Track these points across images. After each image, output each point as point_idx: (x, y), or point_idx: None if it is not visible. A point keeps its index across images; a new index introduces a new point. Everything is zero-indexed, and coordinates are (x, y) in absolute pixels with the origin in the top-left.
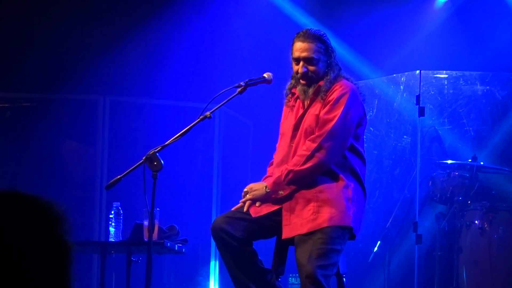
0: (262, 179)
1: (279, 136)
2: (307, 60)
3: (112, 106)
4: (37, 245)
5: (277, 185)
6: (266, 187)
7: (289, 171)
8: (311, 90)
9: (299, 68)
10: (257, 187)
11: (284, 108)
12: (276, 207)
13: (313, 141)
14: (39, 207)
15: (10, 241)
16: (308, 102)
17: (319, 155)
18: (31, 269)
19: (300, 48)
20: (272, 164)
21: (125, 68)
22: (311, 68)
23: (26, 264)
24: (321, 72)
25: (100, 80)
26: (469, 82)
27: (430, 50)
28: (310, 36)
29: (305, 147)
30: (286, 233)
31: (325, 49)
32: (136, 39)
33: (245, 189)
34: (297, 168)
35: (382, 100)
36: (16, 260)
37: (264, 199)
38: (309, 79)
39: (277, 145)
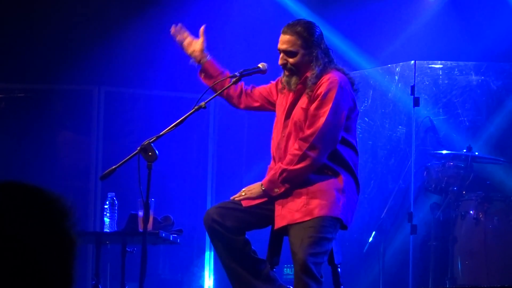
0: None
1: (275, 120)
2: (286, 53)
3: (107, 97)
4: (43, 238)
5: (272, 183)
6: (261, 185)
7: (283, 170)
8: (293, 81)
9: (280, 59)
10: (253, 186)
11: (280, 87)
12: (267, 198)
13: (305, 140)
14: (46, 199)
15: (15, 233)
16: (297, 92)
17: (312, 154)
18: (36, 261)
19: (281, 40)
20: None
21: (120, 59)
22: (290, 60)
23: (31, 257)
24: (301, 65)
25: (95, 70)
26: (464, 72)
27: (425, 40)
28: (292, 28)
29: (297, 146)
30: (278, 223)
31: (306, 43)
32: (131, 29)
33: (243, 190)
34: (291, 167)
35: (377, 91)
36: (21, 253)
37: (260, 197)
38: (289, 70)
39: (256, 87)
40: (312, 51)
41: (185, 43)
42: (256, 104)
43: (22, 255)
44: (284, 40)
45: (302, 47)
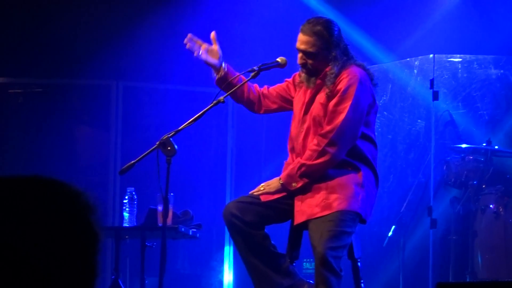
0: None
1: (292, 115)
2: (305, 53)
3: (125, 92)
4: (68, 232)
5: (290, 177)
6: (280, 179)
7: (302, 165)
8: (312, 80)
9: (298, 58)
10: (271, 181)
11: (297, 83)
12: (285, 193)
13: (324, 136)
14: (71, 193)
15: (40, 226)
16: (316, 88)
17: (331, 150)
18: (61, 255)
19: (300, 39)
20: (258, 87)
21: (138, 54)
22: (309, 61)
23: (57, 251)
24: (320, 65)
25: (113, 65)
26: (483, 65)
27: (443, 33)
28: (311, 28)
29: (317, 141)
30: (297, 219)
31: (326, 43)
32: (148, 24)
33: (261, 184)
34: (310, 162)
35: (395, 85)
36: (47, 246)
37: (278, 191)
38: (308, 70)
39: (269, 87)
40: (331, 51)
41: (202, 50)
42: (274, 106)
43: (48, 249)
44: (303, 40)
45: (321, 48)
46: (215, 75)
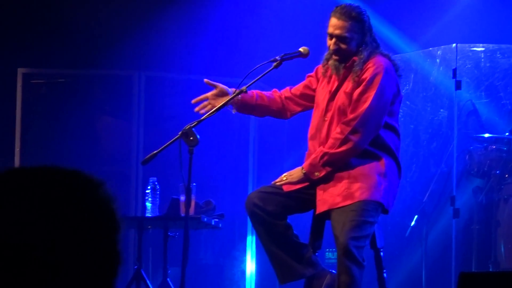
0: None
1: (314, 105)
2: (340, 38)
3: (148, 82)
4: (89, 222)
5: (313, 166)
6: (302, 169)
7: (324, 153)
8: (342, 66)
9: (331, 44)
10: (294, 171)
11: (321, 74)
12: (308, 183)
13: (347, 124)
14: (92, 184)
15: (62, 218)
16: (341, 77)
17: (354, 138)
18: (83, 246)
19: (334, 24)
20: (276, 91)
21: (160, 44)
22: (343, 46)
23: (79, 241)
24: (353, 50)
25: (136, 55)
26: (506, 55)
27: (466, 23)
28: (346, 13)
29: (340, 129)
30: (319, 208)
31: (360, 28)
32: (171, 13)
33: (284, 174)
34: (332, 151)
35: (418, 74)
36: (69, 237)
37: (300, 181)
38: (341, 56)
39: (292, 88)
40: (364, 37)
41: (211, 101)
42: (299, 109)
43: (70, 239)
44: (338, 25)
45: (356, 32)
46: (234, 111)
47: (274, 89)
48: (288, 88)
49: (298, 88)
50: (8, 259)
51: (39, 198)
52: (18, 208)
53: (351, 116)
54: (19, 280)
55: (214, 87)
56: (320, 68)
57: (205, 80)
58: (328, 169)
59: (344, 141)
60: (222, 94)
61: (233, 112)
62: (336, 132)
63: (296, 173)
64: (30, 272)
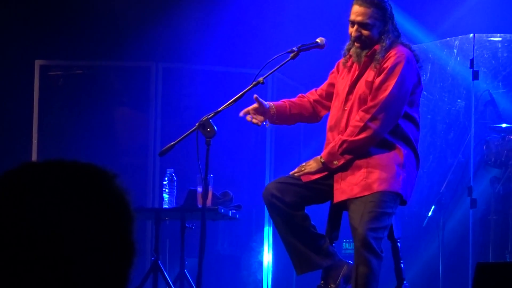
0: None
1: (324, 86)
2: (361, 25)
3: (165, 73)
4: (103, 214)
5: (331, 155)
6: (320, 158)
7: (343, 141)
8: (364, 53)
9: (353, 31)
10: (312, 161)
11: (341, 65)
12: (326, 172)
13: (366, 111)
14: (105, 177)
15: (77, 211)
16: (363, 66)
17: (373, 126)
18: (97, 238)
19: (356, 11)
20: (299, 96)
21: (177, 35)
22: (364, 32)
23: (93, 233)
24: (375, 38)
25: (153, 47)
26: None
27: (483, 13)
28: (368, 0)
29: (359, 117)
30: (337, 197)
31: (382, 15)
32: (188, 4)
33: (302, 164)
34: (351, 138)
35: (435, 64)
36: (84, 229)
37: (319, 171)
38: (362, 43)
39: (319, 88)
40: (386, 24)
41: (253, 114)
42: (327, 111)
43: (84, 232)
44: (360, 12)
45: (378, 19)
46: (267, 124)
47: (300, 94)
48: (313, 90)
49: (323, 88)
50: (25, 250)
51: (53, 191)
52: (33, 202)
53: (370, 103)
54: (35, 270)
55: (256, 102)
56: (340, 62)
57: (255, 96)
58: (347, 157)
59: (363, 129)
60: (262, 109)
61: (267, 126)
62: (355, 120)
63: (314, 162)
64: (45, 262)
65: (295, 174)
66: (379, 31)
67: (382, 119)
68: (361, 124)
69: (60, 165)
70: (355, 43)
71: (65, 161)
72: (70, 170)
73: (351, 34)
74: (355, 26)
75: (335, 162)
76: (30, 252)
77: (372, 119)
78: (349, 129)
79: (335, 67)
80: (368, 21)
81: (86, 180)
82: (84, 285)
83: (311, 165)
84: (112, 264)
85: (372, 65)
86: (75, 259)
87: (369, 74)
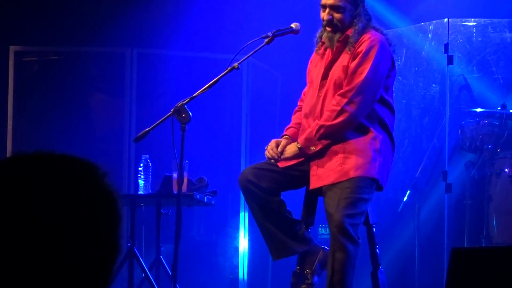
0: (285, 130)
1: (307, 84)
2: (333, 8)
3: (140, 58)
4: (82, 208)
5: (308, 140)
6: (297, 143)
7: (320, 126)
8: (337, 37)
9: (324, 15)
10: (289, 146)
11: (314, 55)
12: (303, 158)
13: (343, 95)
14: (86, 169)
15: (54, 207)
16: (336, 51)
17: (350, 109)
18: (87, 235)
19: None
20: (296, 112)
21: (152, 20)
22: (336, 15)
23: (83, 230)
24: (346, 21)
25: (127, 32)
26: (497, 29)
27: None
28: None
29: (335, 101)
30: (313, 184)
31: None
32: None
33: (279, 149)
34: (328, 123)
35: (410, 49)
36: (74, 226)
37: (296, 157)
38: (334, 26)
39: (303, 91)
40: (357, 7)
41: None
42: None
43: (75, 226)
44: None
45: (350, 2)
46: None
47: (297, 110)
48: (299, 104)
49: (305, 92)
50: (12, 247)
51: (41, 187)
52: (23, 196)
53: (347, 88)
54: (22, 267)
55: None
56: (312, 57)
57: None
58: (324, 142)
59: (340, 112)
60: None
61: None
62: (332, 104)
63: (291, 148)
64: (33, 259)
65: (272, 160)
66: (351, 14)
67: (358, 103)
68: (338, 108)
69: (51, 159)
70: (327, 28)
71: (56, 154)
72: (63, 165)
73: (323, 18)
74: (327, 10)
75: (312, 148)
76: (17, 246)
77: (348, 102)
78: (326, 113)
79: (309, 63)
80: (339, 3)
81: (77, 176)
82: (70, 281)
83: (287, 150)
84: (98, 261)
85: (346, 49)
86: (62, 255)
87: (344, 59)
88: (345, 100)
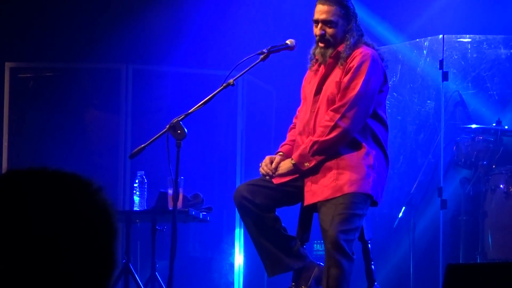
0: (280, 146)
1: (301, 101)
2: (325, 22)
3: (135, 75)
4: (78, 224)
5: (302, 157)
6: (291, 160)
7: (314, 142)
8: (329, 53)
9: (317, 30)
10: (283, 162)
11: (308, 72)
12: (297, 175)
13: (336, 111)
14: (80, 185)
15: (51, 223)
16: (328, 67)
17: (343, 124)
18: (83, 251)
19: (319, 10)
20: (291, 129)
21: (148, 36)
22: (328, 30)
23: (79, 246)
24: (339, 36)
25: (123, 48)
26: (492, 46)
27: (453, 14)
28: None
29: (328, 117)
30: (308, 200)
31: (345, 14)
32: (158, 6)
33: (273, 165)
34: (322, 138)
35: (405, 65)
36: (70, 241)
37: (290, 173)
38: (326, 41)
39: (298, 109)
40: (349, 23)
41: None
42: None
43: (70, 242)
44: (324, 10)
45: (342, 17)
46: None
47: (289, 135)
48: (293, 121)
49: (299, 110)
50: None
51: (34, 203)
52: (19, 212)
53: (339, 103)
54: (16, 283)
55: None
56: (305, 77)
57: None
58: (318, 158)
59: (333, 128)
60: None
61: None
62: (325, 120)
63: (285, 164)
64: (28, 274)
65: (266, 177)
66: (343, 30)
67: (351, 117)
68: (331, 123)
69: (46, 175)
70: (320, 43)
71: (50, 170)
72: (57, 181)
73: (316, 34)
74: (319, 25)
75: (306, 164)
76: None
77: (341, 117)
78: (319, 129)
79: (303, 80)
80: (331, 18)
81: (71, 192)
82: None
83: (282, 167)
84: (94, 276)
85: (338, 64)
86: (57, 270)
87: (336, 74)
88: (338, 116)
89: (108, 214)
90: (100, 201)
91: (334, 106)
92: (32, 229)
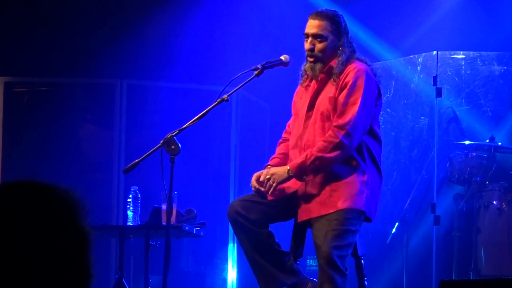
0: (270, 159)
1: (292, 116)
2: (315, 36)
3: (129, 90)
4: (54, 234)
5: (301, 170)
6: (289, 170)
7: (316, 158)
8: (318, 67)
9: (307, 44)
10: (278, 171)
11: (299, 87)
12: (291, 190)
13: (341, 128)
14: (53, 195)
15: (26, 233)
16: (320, 82)
17: (347, 143)
18: (49, 258)
19: (310, 24)
20: (281, 143)
21: (142, 52)
22: (318, 45)
23: (44, 254)
24: (328, 51)
25: (117, 64)
26: (486, 62)
27: (447, 30)
28: (322, 14)
29: (333, 133)
30: (301, 216)
31: (336, 29)
32: (152, 22)
33: (267, 176)
34: (325, 155)
35: (399, 81)
36: (31, 251)
37: (286, 181)
38: (315, 57)
39: (288, 123)
40: (340, 39)
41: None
42: None
43: (32, 253)
44: (315, 25)
45: (332, 32)
46: None
47: (280, 147)
48: (283, 135)
49: (289, 124)
50: None
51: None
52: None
53: (342, 121)
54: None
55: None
56: (296, 92)
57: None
58: (317, 173)
59: (338, 145)
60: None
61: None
62: (329, 135)
63: (281, 173)
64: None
65: (269, 193)
66: (334, 45)
67: (354, 136)
68: (336, 140)
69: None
70: (309, 58)
71: (27, 183)
72: (28, 194)
73: (305, 49)
74: (309, 39)
75: (305, 178)
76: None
77: (346, 135)
78: (322, 144)
79: (294, 95)
80: (321, 32)
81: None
82: None
83: (277, 176)
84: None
85: (331, 80)
86: (42, 277)
87: (330, 90)
88: (343, 133)
89: (79, 226)
90: (67, 209)
91: (339, 123)
92: (12, 237)
